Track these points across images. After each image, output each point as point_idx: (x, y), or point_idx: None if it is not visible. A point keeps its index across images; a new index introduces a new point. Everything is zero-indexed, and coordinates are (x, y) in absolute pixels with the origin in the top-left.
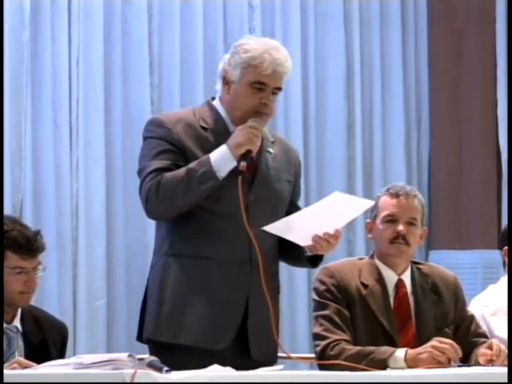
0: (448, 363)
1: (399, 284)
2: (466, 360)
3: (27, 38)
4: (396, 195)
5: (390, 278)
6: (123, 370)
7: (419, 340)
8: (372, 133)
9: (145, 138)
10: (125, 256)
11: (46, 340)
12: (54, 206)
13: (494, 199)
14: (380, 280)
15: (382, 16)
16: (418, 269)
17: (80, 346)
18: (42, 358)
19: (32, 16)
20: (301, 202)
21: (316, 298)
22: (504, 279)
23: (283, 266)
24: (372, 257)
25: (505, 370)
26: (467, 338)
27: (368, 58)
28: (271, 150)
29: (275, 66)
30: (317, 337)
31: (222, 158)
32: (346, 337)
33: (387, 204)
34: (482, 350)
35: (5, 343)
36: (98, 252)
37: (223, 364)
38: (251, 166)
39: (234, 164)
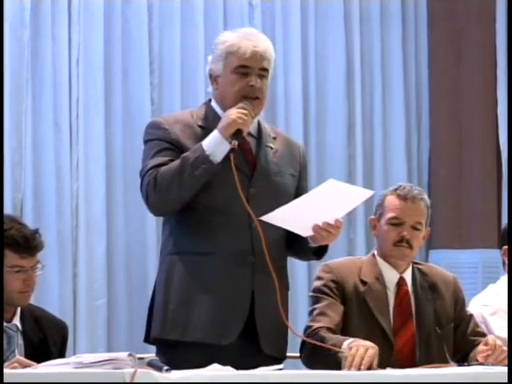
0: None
1: (401, 282)
2: (465, 359)
3: (28, 37)
4: (404, 198)
5: (392, 276)
6: (123, 370)
7: (419, 338)
8: (372, 132)
9: (145, 142)
10: (125, 255)
11: (46, 339)
12: (54, 205)
13: (494, 199)
14: (380, 278)
15: (383, 16)
16: (418, 269)
17: (80, 345)
18: (42, 357)
19: (32, 15)
20: None
21: (312, 293)
22: (504, 279)
23: None
24: (374, 254)
25: (504, 369)
26: (466, 338)
27: (368, 58)
28: (272, 146)
29: (253, 48)
30: (304, 329)
31: (213, 141)
32: (329, 324)
33: (394, 206)
34: (480, 347)
35: (5, 342)
36: (98, 251)
37: (230, 360)
38: (250, 159)
39: (226, 146)
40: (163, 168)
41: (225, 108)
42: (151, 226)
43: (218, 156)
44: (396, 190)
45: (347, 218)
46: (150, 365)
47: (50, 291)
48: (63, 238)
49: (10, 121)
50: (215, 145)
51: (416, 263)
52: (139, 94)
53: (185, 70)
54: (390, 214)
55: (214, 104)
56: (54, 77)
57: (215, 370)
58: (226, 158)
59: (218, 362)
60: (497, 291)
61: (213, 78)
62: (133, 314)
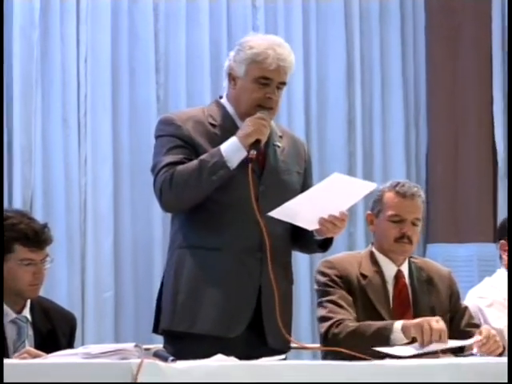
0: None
1: (399, 275)
2: (461, 350)
3: (37, 37)
4: (403, 195)
5: (390, 269)
6: (130, 360)
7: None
8: (372, 129)
9: (156, 137)
10: (132, 249)
11: (55, 330)
12: (63, 201)
13: (490, 194)
14: (379, 271)
15: (382, 14)
16: (414, 262)
17: (88, 337)
18: (51, 348)
19: (42, 16)
20: None
21: (319, 287)
22: (500, 272)
23: None
24: (372, 248)
25: (497, 359)
26: (461, 329)
27: (368, 57)
28: (279, 144)
29: (279, 62)
30: (322, 319)
31: (232, 149)
32: (349, 316)
33: (394, 203)
34: (474, 337)
35: (15, 332)
36: (105, 245)
37: (236, 352)
38: (260, 159)
39: (243, 154)
40: (180, 167)
41: (237, 109)
42: (157, 221)
43: (234, 162)
44: (395, 186)
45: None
46: (156, 355)
47: (58, 284)
48: (72, 232)
49: (20, 119)
50: (233, 152)
51: (411, 257)
52: (145, 92)
53: (190, 69)
54: (390, 212)
55: (224, 102)
56: (63, 75)
57: (220, 361)
58: (242, 162)
59: (225, 353)
60: (493, 284)
61: (231, 77)
62: (139, 306)
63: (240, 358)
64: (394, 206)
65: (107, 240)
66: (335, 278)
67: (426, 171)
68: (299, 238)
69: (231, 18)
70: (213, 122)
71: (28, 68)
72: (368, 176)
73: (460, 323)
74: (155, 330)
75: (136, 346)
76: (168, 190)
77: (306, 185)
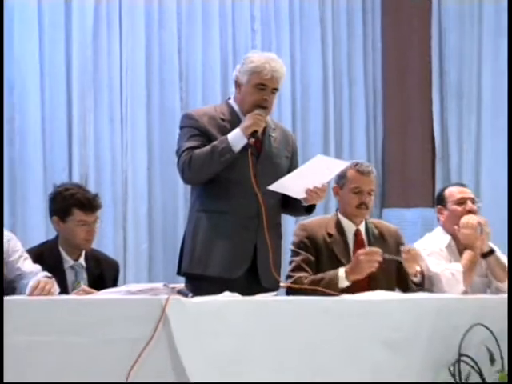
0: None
1: (357, 232)
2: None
3: (90, 53)
4: (362, 173)
5: (350, 228)
6: (160, 296)
7: (371, 274)
8: (342, 122)
9: (180, 128)
10: (161, 213)
11: (103, 274)
12: (109, 177)
13: (430, 170)
14: (341, 230)
15: (349, 27)
16: (369, 223)
17: (128, 279)
18: (100, 287)
19: (93, 37)
20: None
21: (292, 247)
22: (437, 229)
23: None
24: (336, 213)
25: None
26: (404, 270)
27: (338, 64)
28: (273, 135)
29: (273, 73)
30: (287, 277)
31: (236, 137)
32: (307, 275)
33: (356, 178)
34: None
35: (73, 275)
36: (141, 211)
37: (238, 290)
38: (258, 145)
39: (245, 141)
40: (196, 151)
41: (241, 108)
42: (180, 192)
43: (238, 147)
44: (355, 166)
45: None
46: (179, 292)
47: (106, 239)
48: (116, 200)
49: (78, 116)
50: (237, 139)
51: (367, 219)
52: (171, 95)
53: (205, 78)
54: (352, 185)
55: (232, 102)
56: (110, 83)
57: (226, 296)
58: (243, 147)
59: (230, 291)
60: (432, 238)
61: (237, 84)
62: (167, 254)
63: (242, 294)
64: (356, 180)
65: (142, 207)
66: (304, 240)
67: (382, 152)
68: (290, 205)
69: (236, 39)
70: (223, 117)
71: (83, 78)
72: (338, 156)
73: (403, 267)
74: (178, 272)
75: (164, 285)
76: (187, 170)
77: (292, 166)
